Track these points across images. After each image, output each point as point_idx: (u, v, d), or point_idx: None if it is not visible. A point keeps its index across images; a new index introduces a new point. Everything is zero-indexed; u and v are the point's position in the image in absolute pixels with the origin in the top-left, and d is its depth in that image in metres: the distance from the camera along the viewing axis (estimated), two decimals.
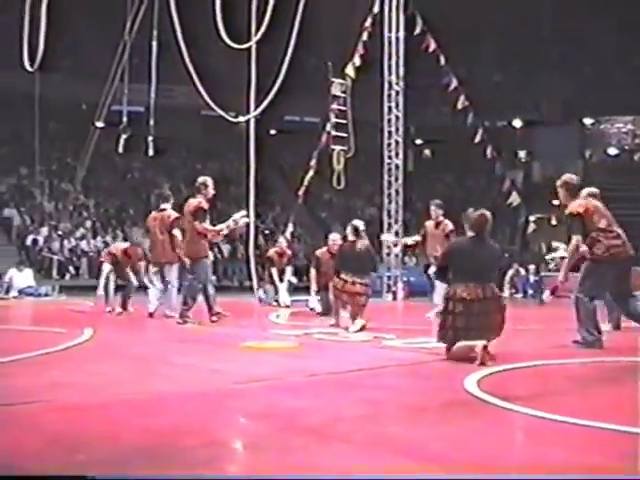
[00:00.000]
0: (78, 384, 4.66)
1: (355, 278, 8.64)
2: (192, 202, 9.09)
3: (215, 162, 29.34)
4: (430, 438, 3.45)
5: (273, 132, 30.11)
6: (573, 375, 5.50)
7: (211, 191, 9.20)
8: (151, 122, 14.07)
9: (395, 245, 13.25)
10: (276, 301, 13.00)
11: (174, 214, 9.87)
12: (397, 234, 17.44)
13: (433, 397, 4.53)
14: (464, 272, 5.91)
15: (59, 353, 6.10)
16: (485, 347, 5.51)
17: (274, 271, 13.17)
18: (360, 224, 9.14)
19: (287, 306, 12.69)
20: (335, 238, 11.24)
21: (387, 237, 11.69)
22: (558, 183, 7.18)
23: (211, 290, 9.20)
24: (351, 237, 9.03)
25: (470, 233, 6.14)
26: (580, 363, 5.89)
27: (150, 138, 13.91)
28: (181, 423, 3.68)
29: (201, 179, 9.26)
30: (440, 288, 10.62)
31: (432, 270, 10.50)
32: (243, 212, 9.18)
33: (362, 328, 8.31)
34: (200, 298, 9.22)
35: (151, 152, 13.89)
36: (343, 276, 8.67)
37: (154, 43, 13.76)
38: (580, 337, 6.86)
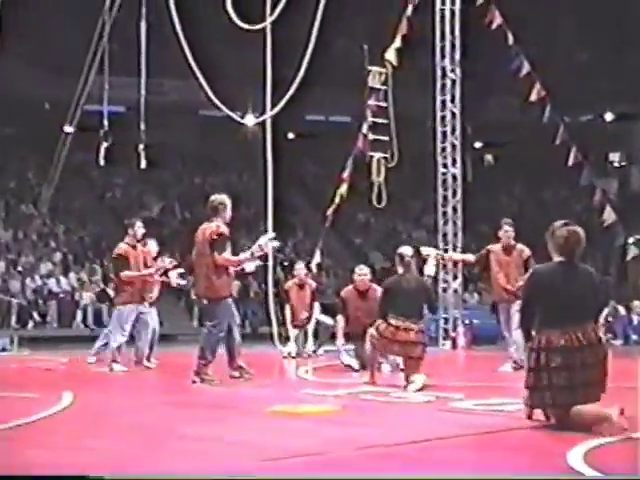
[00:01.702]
0: (67, 465, 4.65)
1: (408, 323, 8.62)
2: (208, 227, 9.21)
3: (218, 175, 29.57)
4: None
5: (292, 136, 30.34)
6: None
7: (229, 212, 9.33)
8: (142, 126, 14.19)
9: (442, 261, 13.16)
10: (288, 352, 13.07)
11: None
12: (455, 264, 17.39)
13: (530, 477, 4.48)
14: (557, 311, 5.85)
15: (34, 425, 6.13)
16: (622, 412, 5.48)
17: (287, 309, 13.25)
18: (407, 251, 9.15)
19: (308, 355, 12.83)
20: (362, 272, 11.25)
21: (427, 251, 11.71)
22: None
23: (236, 336, 9.30)
24: (399, 269, 9.04)
25: (557, 257, 6.07)
26: None
27: (141, 146, 14.01)
28: None
29: (217, 198, 9.41)
30: (518, 335, 10.62)
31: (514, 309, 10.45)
32: (270, 234, 9.33)
33: (422, 387, 8.29)
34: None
35: (143, 164, 14.00)
36: (392, 321, 8.66)
37: (142, 24, 13.95)
38: None
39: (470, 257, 11.71)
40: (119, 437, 5.71)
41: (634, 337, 18.41)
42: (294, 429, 5.97)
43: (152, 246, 11.74)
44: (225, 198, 9.42)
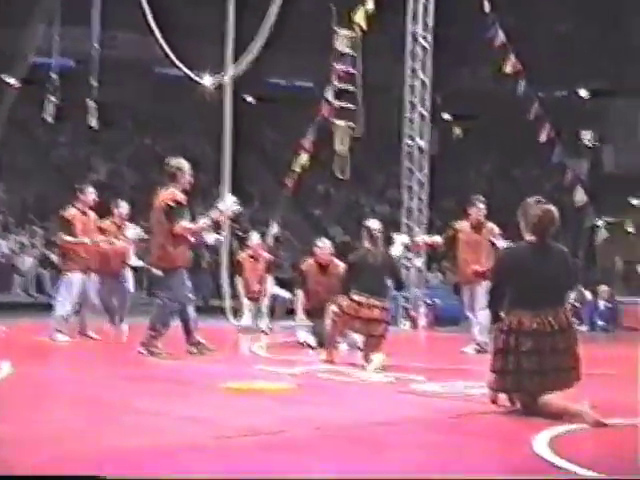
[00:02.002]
0: (8, 441, 4.59)
1: (372, 300, 8.66)
2: (164, 194, 9.13)
3: (171, 137, 29.29)
4: None
5: (251, 99, 30.16)
6: None
7: (188, 178, 9.25)
8: (93, 82, 14.00)
9: (414, 246, 13.20)
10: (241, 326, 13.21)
11: None
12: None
13: (493, 463, 4.54)
14: (529, 292, 5.90)
15: None
16: (594, 406, 5.55)
17: (239, 283, 13.26)
18: (375, 225, 9.17)
19: (265, 332, 12.90)
20: (325, 244, 11.28)
21: (401, 238, 11.74)
22: None
23: (191, 310, 9.28)
24: (366, 243, 9.05)
25: (529, 237, 6.12)
26: None
27: (91, 104, 13.84)
28: None
29: (174, 162, 9.32)
30: (482, 316, 10.73)
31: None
32: (232, 198, 9.29)
33: (382, 366, 8.35)
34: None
35: (93, 123, 13.84)
36: (356, 297, 8.69)
37: None
38: None
39: (438, 239, 11.73)
40: (68, 411, 5.70)
41: (600, 323, 18.62)
42: (249, 407, 5.99)
43: (130, 232, 11.61)
44: (183, 162, 9.32)
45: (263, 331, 12.87)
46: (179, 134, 29.43)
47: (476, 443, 5.13)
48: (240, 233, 24.52)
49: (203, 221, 9.40)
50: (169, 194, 9.06)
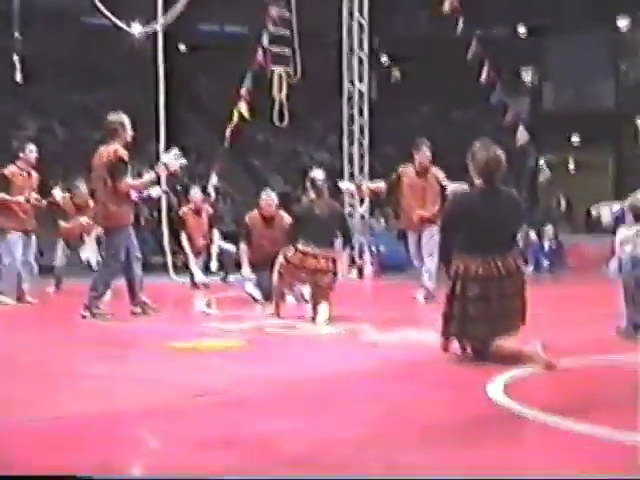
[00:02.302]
0: None
1: (317, 250, 8.69)
2: (106, 150, 8.99)
3: (102, 90, 28.82)
4: (457, 467, 3.51)
5: (183, 48, 29.76)
6: (629, 378, 5.63)
7: (130, 133, 9.15)
8: (15, 33, 13.67)
9: (358, 191, 13.19)
10: (193, 281, 13.35)
11: None
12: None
13: (449, 412, 4.60)
14: (478, 238, 5.95)
15: None
16: (545, 347, 5.64)
17: (184, 237, 13.28)
18: (319, 175, 9.18)
19: (205, 285, 13.07)
20: (269, 197, 11.24)
21: (346, 185, 11.82)
22: None
23: (137, 270, 9.22)
24: (311, 194, 9.06)
25: (478, 181, 6.16)
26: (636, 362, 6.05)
27: (16, 57, 13.53)
28: (112, 457, 3.66)
29: (115, 117, 9.17)
30: (430, 263, 10.81)
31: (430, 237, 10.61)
32: (175, 150, 9.22)
33: (330, 318, 8.41)
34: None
35: (19, 77, 13.56)
36: (301, 247, 8.71)
37: None
38: (627, 323, 7.08)
39: (381, 185, 11.70)
40: (11, 377, 5.62)
41: (545, 263, 18.91)
42: (198, 366, 5.98)
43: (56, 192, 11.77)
44: (124, 117, 9.18)
45: (205, 285, 12.88)
46: (109, 87, 28.97)
47: (430, 391, 5.19)
48: (179, 187, 24.41)
49: (148, 176, 9.32)
50: (112, 151, 8.92)
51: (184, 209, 13.80)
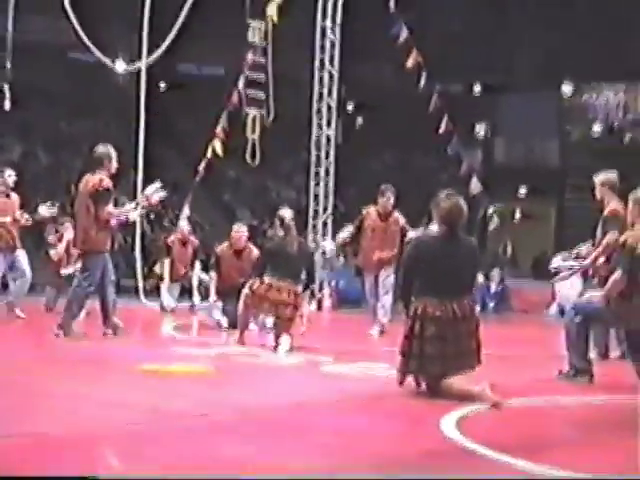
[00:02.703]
0: None
1: (282, 283, 8.65)
2: (91, 179, 8.94)
3: (85, 120, 28.70)
4: None
5: (163, 86, 29.71)
6: (575, 418, 5.65)
7: (115, 165, 9.09)
8: (8, 64, 13.63)
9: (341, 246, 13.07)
10: (162, 306, 13.31)
11: None
12: (325, 225, 17.58)
13: (405, 445, 4.57)
14: (436, 281, 5.95)
15: None
16: (493, 387, 5.63)
17: (166, 263, 13.19)
18: (287, 213, 9.15)
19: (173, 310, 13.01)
20: (240, 230, 11.22)
21: (329, 245, 11.77)
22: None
23: (111, 293, 9.12)
24: (279, 231, 9.04)
25: (440, 228, 6.16)
26: (581, 402, 6.07)
27: (6, 86, 13.48)
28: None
29: (102, 149, 9.12)
30: (386, 300, 10.80)
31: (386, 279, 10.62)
32: (157, 184, 9.20)
33: (291, 348, 8.35)
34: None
35: (7, 105, 13.49)
36: (267, 280, 8.67)
37: None
38: (569, 367, 7.09)
39: (350, 229, 11.53)
40: None
41: (491, 304, 18.95)
42: (169, 389, 5.89)
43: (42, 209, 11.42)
44: (110, 149, 9.14)
45: (191, 307, 12.84)
46: (92, 118, 28.86)
47: (387, 423, 5.15)
48: (152, 216, 24.28)
49: (128, 206, 9.44)
50: (97, 180, 8.87)
51: (172, 238, 13.72)
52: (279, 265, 8.70)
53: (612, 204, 8.36)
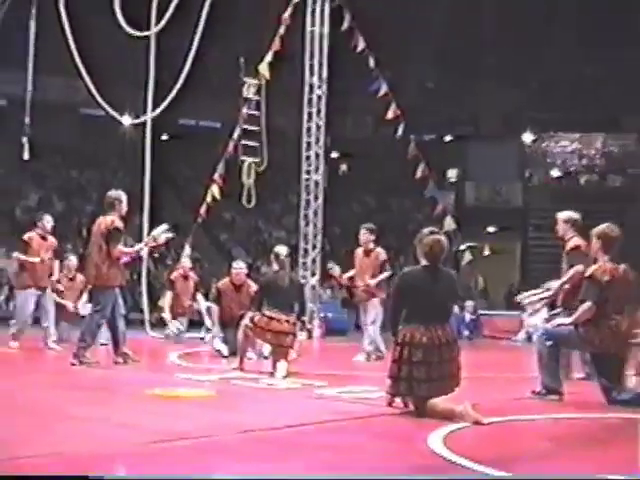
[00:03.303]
0: None
1: (281, 315, 8.58)
2: (104, 220, 8.92)
3: (94, 170, 28.71)
4: None
5: (165, 137, 29.75)
6: (549, 434, 5.58)
7: (125, 207, 9.05)
8: (27, 119, 13.66)
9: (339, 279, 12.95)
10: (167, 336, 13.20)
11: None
12: (314, 262, 17.53)
13: (397, 460, 4.48)
14: (421, 310, 5.88)
15: None
16: (474, 406, 5.56)
17: (168, 296, 13.12)
18: (282, 251, 9.10)
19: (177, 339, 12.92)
20: (239, 266, 11.19)
21: (335, 270, 11.73)
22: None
23: (121, 325, 9.06)
24: (274, 266, 8.98)
25: (423, 262, 6.12)
26: (554, 419, 6.00)
27: (25, 139, 13.51)
28: None
29: (113, 193, 9.13)
30: (373, 330, 10.72)
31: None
32: (164, 226, 9.17)
33: (287, 374, 8.24)
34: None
35: (26, 156, 13.49)
36: (267, 312, 8.59)
37: (32, 22, 13.43)
38: (541, 387, 7.03)
39: (353, 272, 11.42)
40: (3, 417, 5.35)
41: (466, 332, 18.88)
42: (175, 412, 5.79)
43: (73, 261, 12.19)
44: (121, 194, 9.14)
45: (202, 339, 12.62)
46: (100, 168, 28.89)
47: (378, 441, 5.06)
48: (155, 255, 24.17)
49: (139, 246, 9.59)
50: (109, 221, 8.85)
51: (175, 274, 13.65)
52: (274, 297, 8.63)
53: (574, 240, 8.44)
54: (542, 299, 8.41)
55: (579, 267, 7.97)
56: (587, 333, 6.77)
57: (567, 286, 8.19)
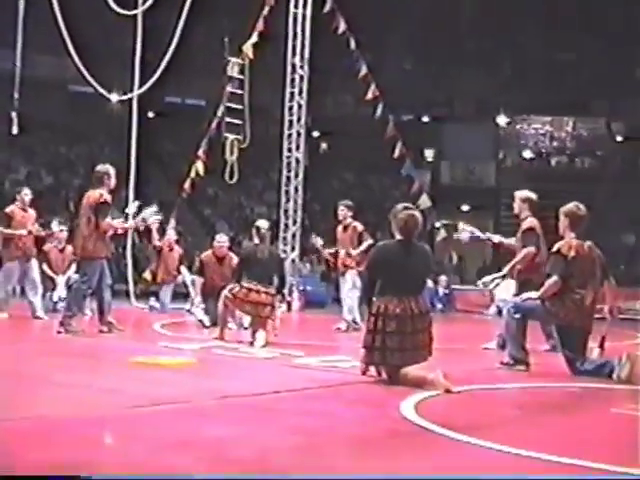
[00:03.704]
0: None
1: (259, 286, 8.56)
2: (93, 194, 8.84)
3: (82, 145, 28.48)
4: (379, 472, 3.39)
5: (151, 115, 29.48)
6: (516, 402, 5.63)
7: (114, 181, 8.97)
8: (15, 94, 13.49)
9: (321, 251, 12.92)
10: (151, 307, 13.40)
11: None
12: (294, 237, 17.48)
13: (370, 426, 4.49)
14: (395, 283, 5.88)
15: None
16: (445, 375, 5.58)
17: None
18: (263, 224, 9.08)
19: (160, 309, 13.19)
20: (222, 240, 11.22)
21: (317, 241, 11.76)
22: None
23: (107, 295, 9.03)
24: (255, 240, 8.95)
25: (398, 236, 6.11)
26: (520, 388, 6.04)
27: (14, 114, 13.34)
28: (86, 455, 3.46)
29: (102, 168, 9.04)
30: (352, 300, 10.75)
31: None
32: (154, 208, 9.14)
33: (266, 343, 8.24)
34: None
35: (15, 130, 13.35)
36: (245, 284, 8.57)
37: (21, 0, 13.24)
38: (509, 358, 7.07)
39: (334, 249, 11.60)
40: None
41: (439, 306, 18.96)
42: (157, 379, 5.77)
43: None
44: (109, 168, 9.07)
45: (188, 310, 12.49)
46: (88, 144, 28.65)
47: (352, 408, 5.07)
48: (141, 228, 23.99)
49: (128, 224, 9.54)
50: (98, 195, 8.78)
51: (159, 243, 13.59)
52: (253, 269, 8.61)
53: (529, 220, 8.56)
54: (495, 279, 8.48)
55: (531, 249, 8.28)
56: (553, 306, 6.81)
57: (519, 266, 8.37)
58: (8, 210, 10.75)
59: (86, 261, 8.85)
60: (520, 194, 8.78)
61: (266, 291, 8.58)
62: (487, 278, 8.60)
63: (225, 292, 8.81)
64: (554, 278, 6.74)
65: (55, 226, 11.45)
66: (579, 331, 6.80)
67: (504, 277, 8.62)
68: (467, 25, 32.20)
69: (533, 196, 8.73)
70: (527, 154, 33.40)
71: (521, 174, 30.39)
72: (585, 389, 6.01)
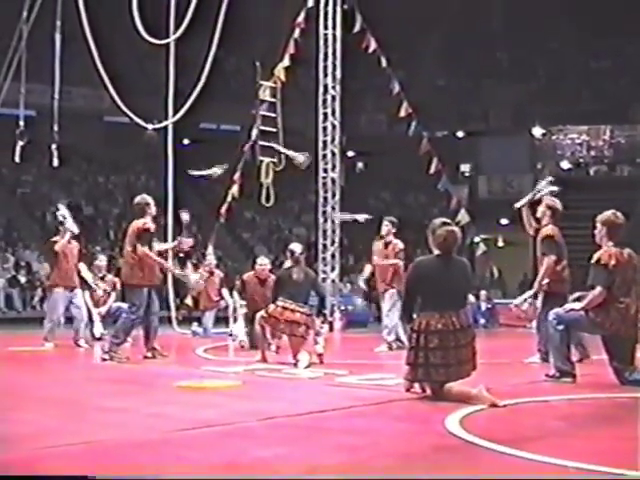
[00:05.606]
0: None
1: (294, 305, 8.60)
2: (137, 223, 9.02)
3: (120, 175, 28.87)
4: None
5: (187, 142, 29.84)
6: (563, 414, 5.58)
7: (154, 209, 9.19)
8: (55, 127, 13.77)
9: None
10: (194, 332, 13.55)
11: None
12: (333, 257, 17.53)
13: (415, 441, 4.50)
14: (436, 298, 5.88)
15: None
16: (488, 389, 5.57)
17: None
18: (297, 248, 9.12)
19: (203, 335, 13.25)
20: (264, 262, 11.31)
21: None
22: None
23: (155, 322, 9.19)
24: (288, 263, 9.04)
25: (436, 252, 6.12)
26: (567, 400, 5.99)
27: (54, 146, 13.62)
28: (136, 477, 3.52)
29: (141, 199, 9.20)
30: (391, 320, 10.70)
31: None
32: (188, 237, 9.57)
33: (309, 364, 8.26)
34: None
35: (56, 162, 13.62)
36: (280, 303, 8.62)
37: (57, 36, 13.52)
38: (555, 370, 7.02)
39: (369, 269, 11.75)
40: (42, 409, 5.43)
41: (482, 321, 18.83)
42: (202, 402, 5.83)
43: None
44: (146, 197, 9.25)
45: (230, 334, 12.57)
46: (125, 173, 29.06)
47: (397, 425, 5.08)
48: (180, 254, 24.22)
49: (165, 246, 9.91)
50: (142, 223, 8.96)
51: (200, 270, 13.87)
52: (288, 290, 8.67)
53: (549, 228, 8.62)
54: (527, 299, 8.55)
55: (551, 257, 8.36)
56: (597, 317, 6.75)
57: (546, 280, 8.37)
58: (57, 248, 10.90)
59: (132, 289, 8.96)
60: (546, 200, 8.86)
61: (301, 310, 8.61)
62: (519, 299, 8.62)
63: (261, 313, 8.88)
64: (598, 289, 6.69)
65: (101, 259, 11.82)
66: (626, 340, 6.74)
67: (535, 295, 8.62)
68: (498, 35, 32.14)
69: (558, 203, 8.76)
70: (565, 164, 33.15)
71: (559, 185, 30.06)
72: (634, 399, 5.93)
